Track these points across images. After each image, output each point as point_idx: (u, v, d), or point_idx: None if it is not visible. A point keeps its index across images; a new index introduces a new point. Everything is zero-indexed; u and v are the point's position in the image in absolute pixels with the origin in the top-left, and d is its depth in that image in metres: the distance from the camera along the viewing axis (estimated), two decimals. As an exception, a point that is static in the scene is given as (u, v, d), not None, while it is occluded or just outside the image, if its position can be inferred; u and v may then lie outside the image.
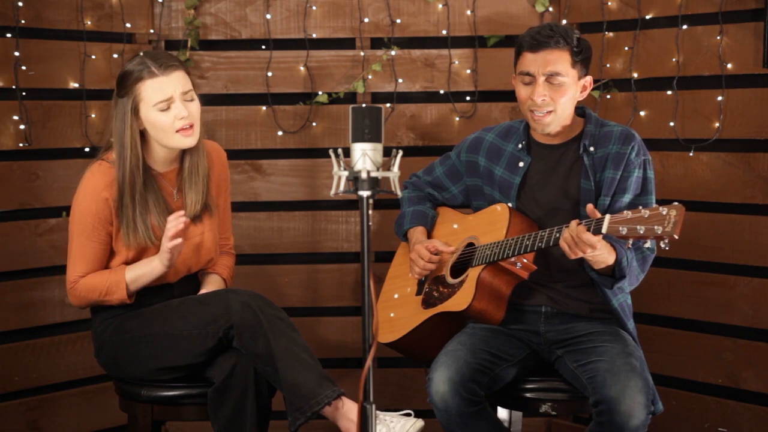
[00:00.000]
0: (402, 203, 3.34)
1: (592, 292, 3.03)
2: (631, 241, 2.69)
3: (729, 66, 3.53)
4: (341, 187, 2.23)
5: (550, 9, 3.89)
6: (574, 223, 2.76)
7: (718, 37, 3.53)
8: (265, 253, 4.01)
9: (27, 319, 3.71)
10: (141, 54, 3.02)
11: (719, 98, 3.55)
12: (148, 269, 2.99)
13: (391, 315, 3.23)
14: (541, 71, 2.95)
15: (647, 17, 3.70)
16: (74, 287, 3.00)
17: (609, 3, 3.77)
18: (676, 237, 2.60)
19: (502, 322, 3.00)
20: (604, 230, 2.69)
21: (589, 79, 3.02)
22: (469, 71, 3.94)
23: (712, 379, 3.65)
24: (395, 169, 2.23)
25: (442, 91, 3.97)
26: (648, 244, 2.69)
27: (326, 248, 4.02)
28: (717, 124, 3.56)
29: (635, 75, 3.72)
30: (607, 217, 2.70)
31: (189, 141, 2.97)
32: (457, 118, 3.96)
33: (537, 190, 3.07)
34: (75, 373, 3.82)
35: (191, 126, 2.96)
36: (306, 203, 4.01)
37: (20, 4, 3.60)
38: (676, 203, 2.64)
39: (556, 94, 2.95)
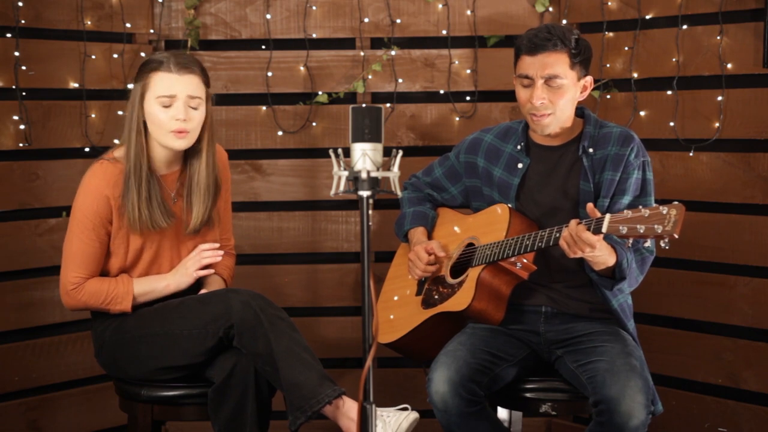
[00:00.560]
0: (402, 204, 3.34)
1: (592, 293, 3.03)
2: (631, 241, 2.68)
3: (729, 66, 3.53)
4: (341, 187, 2.23)
5: (550, 9, 3.89)
6: (573, 222, 2.76)
7: (718, 37, 3.53)
8: (265, 253, 4.01)
9: (27, 319, 3.71)
10: (168, 51, 3.04)
11: (719, 98, 3.55)
12: (159, 286, 3.03)
13: (391, 316, 3.23)
14: (540, 74, 2.94)
15: (647, 17, 3.70)
16: (75, 290, 2.99)
17: (609, 3, 3.77)
18: (676, 236, 2.60)
19: (502, 322, 3.01)
20: (604, 229, 2.69)
21: (589, 79, 3.02)
22: (469, 71, 3.94)
23: (712, 379, 3.65)
24: (395, 169, 2.23)
25: (442, 91, 3.97)
26: (648, 244, 2.69)
27: (326, 248, 4.02)
28: (717, 124, 3.56)
29: (635, 75, 3.72)
30: (608, 216, 2.70)
31: (180, 143, 2.97)
32: (457, 118, 3.96)
33: (536, 192, 3.07)
34: (75, 373, 3.82)
35: (186, 131, 2.96)
36: (306, 203, 4.01)
37: (20, 4, 3.60)
38: (676, 202, 2.63)
39: (555, 97, 2.95)
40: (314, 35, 3.95)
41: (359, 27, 3.94)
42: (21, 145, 3.64)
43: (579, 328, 3.01)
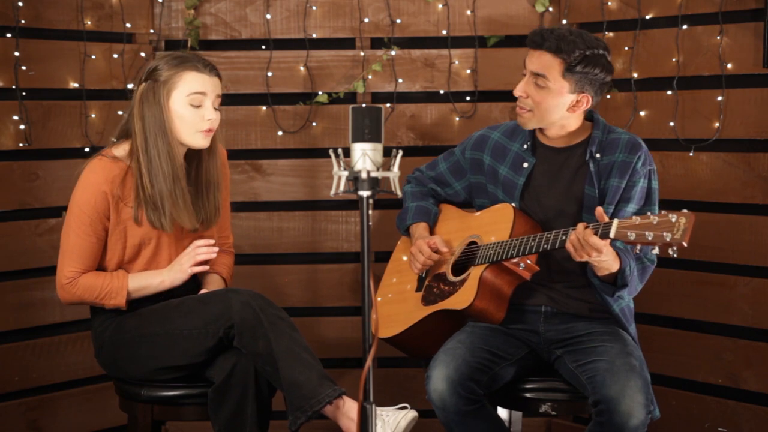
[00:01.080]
0: (404, 198, 3.33)
1: (592, 293, 3.02)
2: (639, 247, 2.68)
3: (729, 66, 3.53)
4: (341, 187, 2.23)
5: (550, 9, 3.89)
6: (581, 225, 2.76)
7: (718, 37, 3.53)
8: (265, 253, 4.01)
9: (27, 319, 3.71)
10: (178, 52, 3.07)
11: (719, 98, 3.55)
12: (154, 282, 3.02)
13: (391, 311, 3.22)
14: (530, 68, 2.97)
15: (647, 17, 3.70)
16: (70, 284, 2.99)
17: (609, 3, 3.77)
18: (685, 245, 2.58)
19: (502, 321, 3.00)
20: (612, 234, 2.69)
21: (585, 97, 2.97)
22: (469, 71, 3.94)
23: (712, 379, 3.65)
24: (395, 169, 2.23)
25: (442, 91, 3.97)
26: (655, 251, 2.66)
27: (326, 248, 4.02)
28: (717, 124, 3.56)
29: (635, 75, 3.72)
30: (616, 221, 2.69)
31: (205, 142, 3.00)
32: (457, 118, 3.96)
33: (541, 193, 3.06)
34: (75, 373, 3.82)
35: (213, 130, 3.00)
36: (306, 203, 4.01)
37: (20, 4, 3.60)
38: (685, 210, 2.62)
39: (537, 95, 2.95)
40: (314, 35, 3.95)
41: (359, 27, 3.94)
42: (21, 145, 3.64)
43: (579, 328, 3.01)
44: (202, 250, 3.03)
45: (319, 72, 3.95)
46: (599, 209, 2.75)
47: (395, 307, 3.22)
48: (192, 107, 2.96)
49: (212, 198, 3.08)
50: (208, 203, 3.08)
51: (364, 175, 2.19)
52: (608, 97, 3.80)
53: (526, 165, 3.08)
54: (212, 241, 3.04)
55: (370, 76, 3.95)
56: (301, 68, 3.95)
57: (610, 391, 2.77)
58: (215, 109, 2.99)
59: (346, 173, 2.22)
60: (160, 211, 2.96)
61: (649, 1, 3.69)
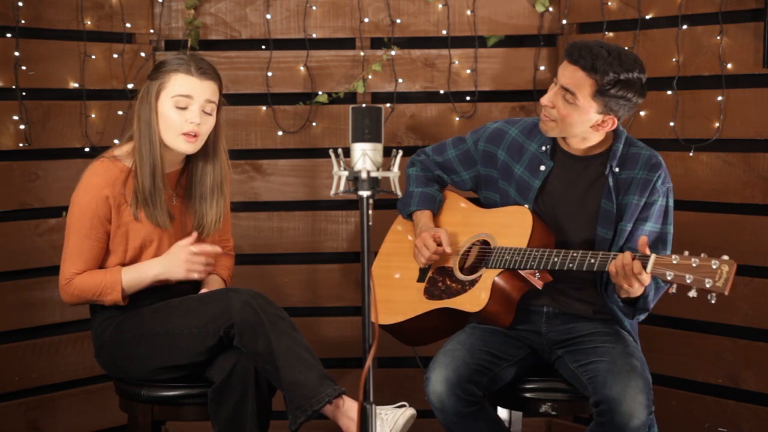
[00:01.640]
0: (409, 181, 3.25)
1: (594, 293, 3.02)
2: (674, 286, 2.67)
3: (729, 66, 3.53)
4: (341, 187, 2.23)
5: (550, 9, 3.89)
6: (628, 255, 2.74)
7: (718, 37, 3.53)
8: (265, 253, 4.01)
9: (27, 319, 3.71)
10: (188, 55, 3.05)
11: (719, 98, 3.55)
12: (149, 274, 3.00)
13: (390, 296, 3.17)
14: (561, 82, 2.90)
15: (647, 17, 3.70)
16: (68, 284, 2.99)
17: (609, 3, 3.77)
18: (726, 294, 2.58)
19: (505, 322, 3.01)
20: (648, 270, 2.69)
21: (611, 119, 2.92)
22: (469, 71, 3.94)
23: (712, 379, 3.65)
24: (395, 169, 2.23)
25: (442, 91, 3.97)
26: (692, 293, 2.65)
27: (326, 248, 4.02)
28: (717, 124, 3.56)
29: (635, 75, 3.72)
30: (653, 256, 2.69)
31: (188, 147, 2.97)
32: (457, 118, 3.96)
33: (555, 198, 3.03)
34: (75, 373, 3.82)
35: (196, 135, 2.96)
36: (306, 203, 4.01)
37: (20, 4, 3.60)
38: (726, 257, 2.62)
39: (563, 109, 2.91)
40: (314, 35, 3.95)
41: (359, 27, 3.94)
42: (21, 145, 3.64)
43: (580, 329, 3.01)
44: (202, 259, 3.01)
45: (319, 72, 3.95)
46: (644, 239, 2.74)
47: (394, 293, 3.18)
48: (177, 109, 2.95)
49: (215, 206, 3.07)
50: (210, 210, 3.07)
51: (364, 175, 2.19)
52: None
53: (543, 168, 3.04)
54: (217, 249, 3.05)
55: (370, 76, 3.95)
56: (301, 68, 3.95)
57: (612, 392, 2.77)
58: (206, 114, 2.97)
59: (346, 173, 2.22)
60: (151, 207, 2.96)
61: (649, 1, 3.69)
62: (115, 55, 3.83)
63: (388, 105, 3.95)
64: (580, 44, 2.89)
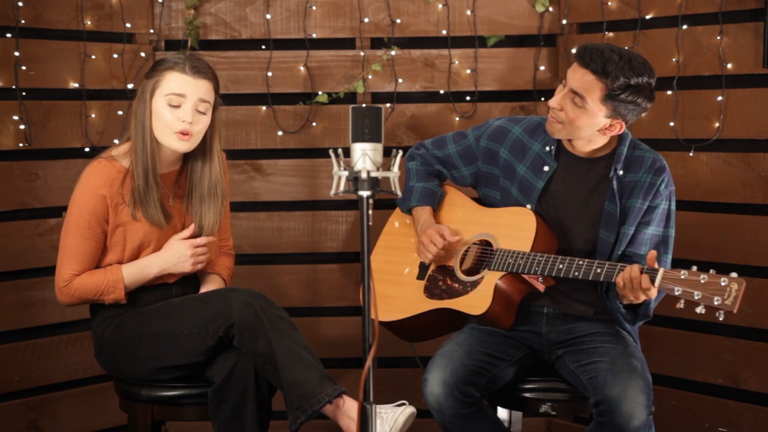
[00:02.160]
0: (409, 175, 3.23)
1: (594, 294, 3.02)
2: (682, 302, 2.66)
3: (729, 66, 3.53)
4: (341, 187, 2.23)
5: (550, 9, 3.89)
6: (636, 268, 2.73)
7: (718, 37, 3.53)
8: (265, 253, 4.01)
9: (27, 319, 3.71)
10: (185, 54, 3.03)
11: (719, 98, 3.55)
12: (151, 271, 3.00)
13: (388, 292, 3.16)
14: (571, 84, 2.89)
15: (647, 17, 3.70)
16: (67, 286, 2.99)
17: (609, 3, 3.77)
18: (735, 312, 2.58)
19: (506, 325, 3.01)
20: (656, 284, 2.69)
21: (618, 123, 2.92)
22: (469, 71, 3.94)
23: (712, 379, 3.65)
24: (395, 169, 2.23)
25: (442, 91, 3.97)
26: (700, 309, 2.64)
27: (326, 248, 4.02)
28: (717, 124, 3.56)
29: (635, 75, 3.72)
30: (661, 271, 2.69)
31: (181, 145, 2.97)
32: (457, 118, 3.96)
33: (558, 199, 3.02)
34: (75, 373, 3.82)
35: (189, 134, 2.96)
36: (306, 203, 4.01)
37: (20, 4, 3.60)
38: (734, 275, 2.61)
39: (571, 113, 2.89)
40: (314, 35, 3.95)
41: (359, 27, 3.94)
42: (21, 145, 3.64)
43: (580, 329, 3.01)
44: (205, 250, 3.03)
45: (319, 72, 3.95)
46: (653, 253, 2.74)
47: (393, 289, 3.17)
48: (170, 107, 2.95)
49: (213, 207, 3.07)
50: (208, 212, 3.06)
51: (364, 175, 2.20)
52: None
53: (546, 168, 3.03)
54: (212, 238, 3.06)
55: (370, 76, 3.95)
56: (301, 68, 3.95)
57: (612, 392, 2.76)
58: (200, 113, 2.97)
59: (346, 173, 2.22)
60: (145, 205, 2.97)
61: (649, 1, 3.69)
62: (115, 55, 3.83)
63: (388, 105, 3.95)
64: (591, 47, 2.87)
